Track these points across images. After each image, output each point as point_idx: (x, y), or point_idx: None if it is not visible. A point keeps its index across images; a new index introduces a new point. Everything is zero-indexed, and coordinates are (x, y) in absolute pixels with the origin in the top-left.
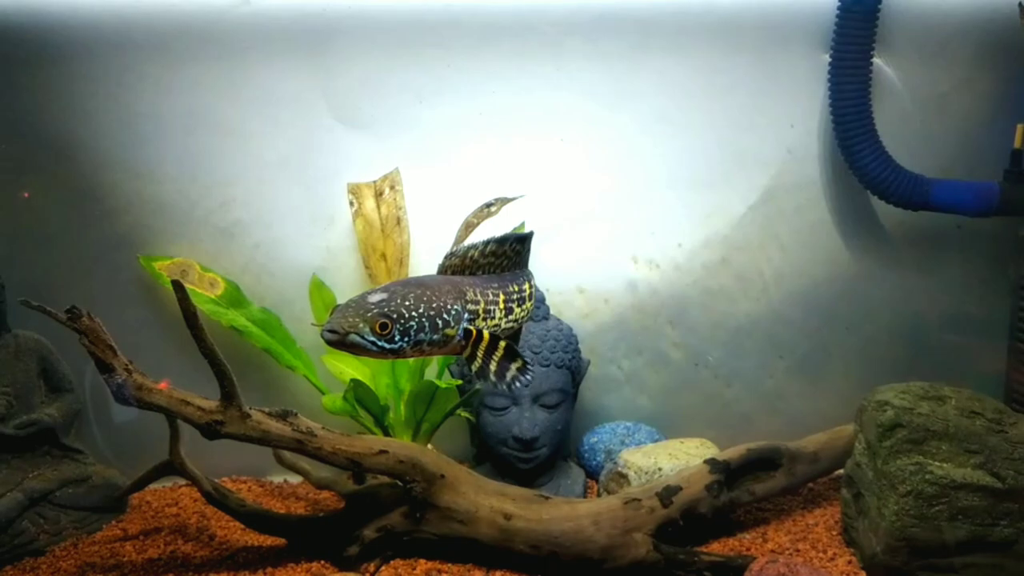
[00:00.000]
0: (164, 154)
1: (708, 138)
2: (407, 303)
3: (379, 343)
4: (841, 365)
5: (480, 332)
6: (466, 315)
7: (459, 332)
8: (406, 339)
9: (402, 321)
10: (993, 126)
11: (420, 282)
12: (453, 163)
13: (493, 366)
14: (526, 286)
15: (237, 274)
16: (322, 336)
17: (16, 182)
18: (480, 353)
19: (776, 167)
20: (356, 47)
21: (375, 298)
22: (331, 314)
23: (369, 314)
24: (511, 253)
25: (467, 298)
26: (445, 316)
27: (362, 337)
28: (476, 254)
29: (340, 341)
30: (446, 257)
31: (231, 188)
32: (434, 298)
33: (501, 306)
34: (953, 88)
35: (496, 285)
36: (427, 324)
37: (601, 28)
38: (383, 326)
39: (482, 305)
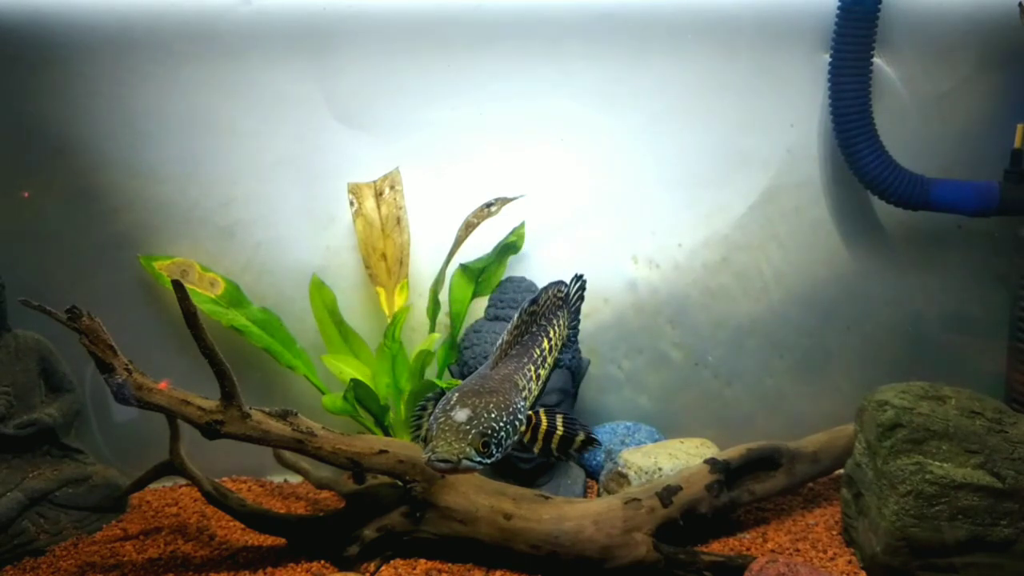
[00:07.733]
0: (164, 154)
1: (708, 138)
2: (493, 415)
3: (484, 461)
4: (841, 365)
5: (538, 415)
6: (522, 403)
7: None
8: (499, 450)
9: (496, 435)
10: (993, 126)
11: (491, 389)
12: (453, 163)
13: (555, 444)
14: (544, 343)
15: (237, 274)
16: (431, 467)
17: (16, 182)
18: (541, 437)
19: (776, 167)
20: (356, 47)
21: (461, 416)
22: (426, 441)
23: (470, 436)
24: (547, 306)
25: (520, 387)
26: (520, 415)
27: (471, 460)
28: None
29: (454, 469)
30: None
31: (231, 188)
32: (508, 403)
33: (534, 378)
34: (953, 88)
35: (527, 359)
36: (510, 429)
37: (601, 28)
38: (484, 444)
39: (527, 389)
